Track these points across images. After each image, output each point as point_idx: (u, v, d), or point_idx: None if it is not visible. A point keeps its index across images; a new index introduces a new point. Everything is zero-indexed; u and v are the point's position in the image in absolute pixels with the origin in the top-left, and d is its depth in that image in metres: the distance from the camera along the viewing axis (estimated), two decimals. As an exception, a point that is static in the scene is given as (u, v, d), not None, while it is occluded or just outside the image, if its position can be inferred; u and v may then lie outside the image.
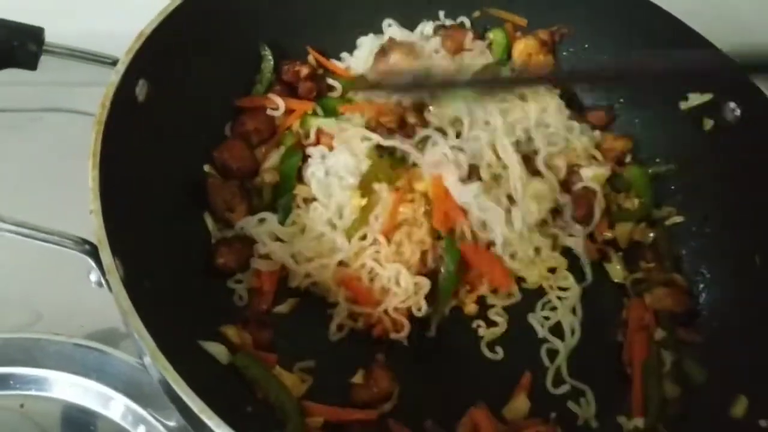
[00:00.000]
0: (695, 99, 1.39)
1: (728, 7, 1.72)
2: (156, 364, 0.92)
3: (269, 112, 1.43)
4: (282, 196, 1.35)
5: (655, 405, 1.24)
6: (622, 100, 1.52)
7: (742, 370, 1.22)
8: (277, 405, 1.14)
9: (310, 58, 1.49)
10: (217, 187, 1.32)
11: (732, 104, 1.34)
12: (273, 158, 1.39)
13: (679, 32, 1.38)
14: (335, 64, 1.51)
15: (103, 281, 1.00)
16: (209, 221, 1.32)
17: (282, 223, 1.33)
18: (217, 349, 1.19)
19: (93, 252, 1.01)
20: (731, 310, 1.31)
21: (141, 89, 1.18)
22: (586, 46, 1.51)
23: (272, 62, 1.46)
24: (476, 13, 1.54)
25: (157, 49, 1.19)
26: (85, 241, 1.03)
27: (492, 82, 1.35)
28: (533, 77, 1.38)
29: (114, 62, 1.16)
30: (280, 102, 1.43)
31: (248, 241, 1.31)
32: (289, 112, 1.44)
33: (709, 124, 1.38)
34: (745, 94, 1.32)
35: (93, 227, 1.00)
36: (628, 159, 1.49)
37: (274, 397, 1.14)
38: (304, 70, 1.46)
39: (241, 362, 1.16)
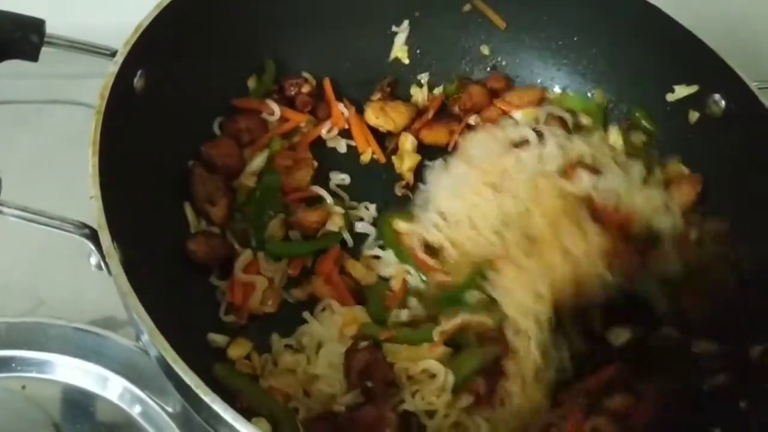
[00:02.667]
0: (682, 91, 1.41)
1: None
2: (154, 342, 0.95)
3: (264, 116, 1.45)
4: (259, 215, 1.35)
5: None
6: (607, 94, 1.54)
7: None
8: (264, 413, 1.11)
9: (311, 78, 1.52)
10: (203, 178, 1.33)
11: (717, 96, 1.35)
12: (257, 161, 1.39)
13: (666, 25, 1.38)
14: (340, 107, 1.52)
15: (103, 264, 1.03)
16: (189, 212, 1.33)
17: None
18: (214, 337, 1.23)
19: (93, 236, 1.03)
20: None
21: (139, 80, 1.20)
22: (576, 38, 1.53)
23: (273, 74, 1.49)
24: (467, 7, 1.55)
25: (155, 42, 1.21)
26: (86, 226, 1.05)
27: None
28: None
29: (113, 54, 1.18)
30: (276, 108, 1.46)
31: (230, 243, 1.32)
32: (283, 120, 1.46)
33: (695, 116, 1.40)
34: (730, 86, 1.32)
35: (93, 212, 1.02)
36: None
37: (258, 406, 1.12)
38: (306, 87, 1.49)
39: (221, 373, 1.14)
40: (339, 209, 1.38)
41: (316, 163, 1.45)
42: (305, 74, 1.53)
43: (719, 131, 1.36)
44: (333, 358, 1.20)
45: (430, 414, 1.19)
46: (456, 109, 1.55)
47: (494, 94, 1.55)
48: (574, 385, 1.24)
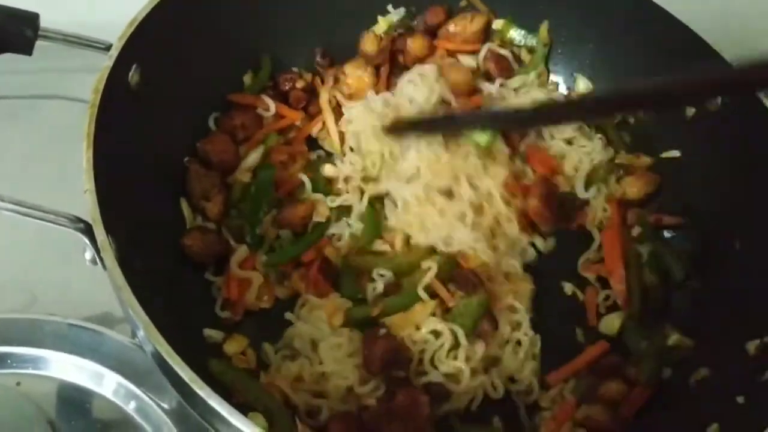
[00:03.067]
0: (678, 86, 1.41)
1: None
2: (149, 337, 0.95)
3: (259, 111, 1.45)
4: (254, 211, 1.34)
5: (636, 295, 1.32)
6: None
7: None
8: (260, 409, 1.10)
9: (305, 74, 1.51)
10: (199, 174, 1.33)
11: (714, 91, 1.36)
12: (252, 157, 1.39)
13: (662, 19, 1.39)
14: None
15: (98, 258, 1.03)
16: (185, 208, 1.32)
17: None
18: (210, 333, 1.23)
19: (87, 230, 1.03)
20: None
21: (133, 75, 1.20)
22: (570, 34, 1.53)
23: (269, 70, 1.49)
24: (463, 2, 1.55)
25: (150, 36, 1.21)
26: (80, 220, 1.05)
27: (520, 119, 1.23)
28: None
29: (107, 48, 1.18)
30: (271, 104, 1.45)
31: (225, 240, 1.31)
32: (278, 116, 1.46)
33: (691, 111, 1.39)
34: (727, 82, 1.33)
35: (87, 206, 1.02)
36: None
37: (255, 401, 1.11)
38: (300, 83, 1.48)
39: (217, 369, 1.14)
40: (320, 196, 1.37)
41: (314, 156, 1.45)
42: (300, 70, 1.52)
43: (715, 126, 1.36)
44: (335, 352, 1.20)
45: (456, 379, 1.20)
46: (401, 60, 1.53)
47: (433, 32, 1.53)
48: (563, 366, 1.26)
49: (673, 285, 1.35)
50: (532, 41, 1.54)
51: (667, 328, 1.29)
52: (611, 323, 1.32)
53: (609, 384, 1.22)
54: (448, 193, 1.32)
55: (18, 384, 1.24)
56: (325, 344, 1.21)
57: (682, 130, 1.42)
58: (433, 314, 1.23)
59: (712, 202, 1.37)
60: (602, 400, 1.21)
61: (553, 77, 1.57)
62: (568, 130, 1.47)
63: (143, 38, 1.20)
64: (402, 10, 1.56)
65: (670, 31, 1.38)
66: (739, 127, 1.32)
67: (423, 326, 1.22)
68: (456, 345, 1.21)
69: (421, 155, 1.34)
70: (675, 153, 1.44)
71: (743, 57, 0.81)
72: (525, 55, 1.56)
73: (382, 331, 1.20)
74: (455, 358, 1.20)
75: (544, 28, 1.53)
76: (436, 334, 1.21)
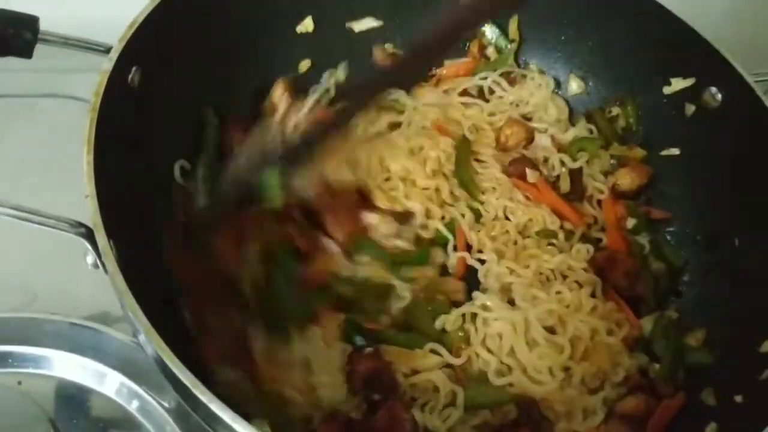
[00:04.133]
0: (678, 84, 1.40)
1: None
2: (150, 342, 0.95)
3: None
4: None
5: (647, 285, 1.34)
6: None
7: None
8: (261, 414, 1.07)
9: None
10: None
11: (713, 89, 1.35)
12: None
13: (663, 17, 1.38)
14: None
15: (99, 263, 1.02)
16: None
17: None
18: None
19: (89, 235, 1.02)
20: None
21: (134, 76, 1.19)
22: (571, 32, 1.53)
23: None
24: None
25: (150, 37, 1.20)
26: (81, 224, 1.04)
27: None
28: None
29: (107, 50, 1.17)
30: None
31: None
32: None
33: (691, 109, 1.40)
34: (726, 79, 1.32)
35: (88, 211, 1.01)
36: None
37: (257, 408, 1.09)
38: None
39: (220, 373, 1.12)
40: None
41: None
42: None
43: (715, 124, 1.36)
44: (328, 364, 1.18)
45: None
46: None
47: None
48: None
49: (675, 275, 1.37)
50: (503, 41, 1.56)
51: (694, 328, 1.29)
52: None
53: (628, 399, 1.21)
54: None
55: (19, 383, 1.25)
56: (317, 357, 1.18)
57: (682, 129, 1.42)
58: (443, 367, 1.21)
59: (711, 200, 1.38)
60: (622, 416, 1.19)
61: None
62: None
63: (143, 40, 1.19)
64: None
65: (670, 31, 1.38)
66: (738, 126, 1.32)
67: (422, 373, 1.20)
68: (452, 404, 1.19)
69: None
70: (675, 151, 1.44)
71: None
72: (492, 53, 1.57)
73: (368, 350, 1.18)
74: (444, 420, 1.17)
75: (513, 23, 1.54)
76: (434, 386, 1.19)
